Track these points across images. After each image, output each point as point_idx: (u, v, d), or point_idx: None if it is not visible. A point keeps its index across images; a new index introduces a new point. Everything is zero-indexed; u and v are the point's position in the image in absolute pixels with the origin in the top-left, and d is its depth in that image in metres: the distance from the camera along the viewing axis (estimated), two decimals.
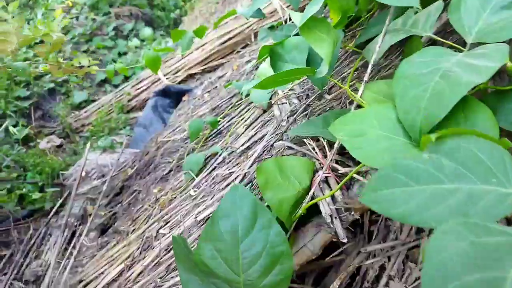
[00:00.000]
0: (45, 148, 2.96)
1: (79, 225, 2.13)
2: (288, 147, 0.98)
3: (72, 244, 1.88)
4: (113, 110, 3.11)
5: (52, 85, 3.46)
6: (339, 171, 0.88)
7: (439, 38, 0.71)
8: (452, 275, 0.33)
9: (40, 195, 2.38)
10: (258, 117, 1.45)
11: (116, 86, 3.55)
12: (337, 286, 0.88)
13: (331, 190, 0.85)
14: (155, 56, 1.55)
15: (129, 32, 4.41)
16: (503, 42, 0.66)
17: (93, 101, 3.42)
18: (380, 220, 0.95)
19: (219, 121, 1.73)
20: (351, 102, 0.99)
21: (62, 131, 3.18)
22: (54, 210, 2.27)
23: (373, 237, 0.94)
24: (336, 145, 0.79)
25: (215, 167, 1.36)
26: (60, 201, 2.34)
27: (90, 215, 2.16)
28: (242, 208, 0.67)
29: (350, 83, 1.01)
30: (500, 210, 0.40)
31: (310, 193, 0.80)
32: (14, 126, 2.94)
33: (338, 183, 0.85)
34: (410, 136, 0.58)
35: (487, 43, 0.63)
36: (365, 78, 0.74)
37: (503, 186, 0.42)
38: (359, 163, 0.88)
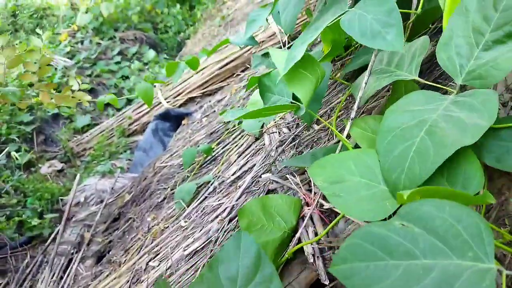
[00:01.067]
0: (46, 173, 2.97)
1: (76, 252, 2.11)
2: (274, 181, 0.97)
3: (67, 273, 1.85)
4: (114, 134, 3.12)
5: (56, 110, 3.50)
6: (324, 206, 0.85)
7: (425, 82, 0.69)
8: None
9: (39, 221, 2.38)
10: (250, 144, 1.44)
11: (118, 110, 3.58)
12: None
13: (315, 227, 0.82)
14: (147, 87, 1.55)
15: (133, 56, 4.47)
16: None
17: (96, 124, 3.45)
18: None
19: (213, 148, 1.72)
20: (341, 131, 0.97)
21: (64, 155, 3.19)
22: (52, 236, 2.26)
23: None
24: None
25: (206, 196, 1.35)
26: (59, 227, 2.33)
27: (88, 242, 2.15)
28: (245, 257, 0.63)
29: (337, 115, 1.00)
30: None
31: (297, 235, 0.78)
32: (17, 151, 2.96)
33: (323, 219, 0.83)
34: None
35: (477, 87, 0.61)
36: (352, 115, 0.72)
37: (481, 261, 0.39)
38: None
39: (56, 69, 3.90)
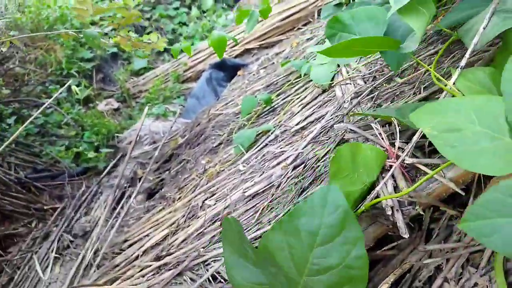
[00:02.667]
0: (103, 110, 3.07)
1: (129, 187, 2.19)
2: (351, 130, 0.92)
3: (120, 205, 1.94)
4: (169, 79, 3.15)
5: (115, 49, 3.56)
6: (405, 161, 0.80)
7: None
8: None
9: (95, 154, 2.48)
10: (317, 96, 1.38)
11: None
12: (390, 282, 0.82)
13: (395, 182, 0.78)
14: (221, 37, 1.50)
15: (191, 2, 4.42)
16: None
17: (152, 68, 3.49)
18: (443, 219, 0.87)
19: (273, 99, 1.68)
20: (426, 89, 0.90)
21: (120, 95, 3.27)
22: (107, 170, 2.36)
23: (433, 236, 0.87)
24: (415, 138, 0.71)
25: (267, 144, 1.32)
26: (113, 162, 2.42)
27: (140, 178, 2.23)
28: (331, 214, 0.59)
29: (435, 67, 0.92)
30: None
31: (378, 188, 0.74)
32: (77, 86, 3.06)
33: (403, 175, 0.78)
34: None
35: None
36: (462, 63, 0.65)
37: None
38: (428, 153, 0.81)
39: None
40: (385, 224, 0.83)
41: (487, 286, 0.73)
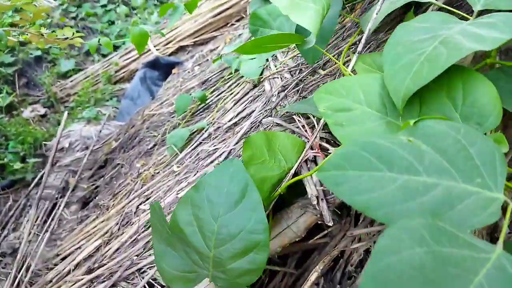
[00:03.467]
0: (28, 117, 2.86)
1: (61, 197, 2.06)
2: (277, 123, 0.92)
3: (51, 217, 1.82)
4: (100, 80, 3.00)
5: (38, 52, 3.33)
6: (329, 151, 0.82)
7: (443, 5, 0.64)
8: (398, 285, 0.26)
9: (22, 165, 2.30)
10: (248, 92, 1.38)
11: (104, 56, 3.42)
12: (320, 270, 0.83)
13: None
14: (142, 32, 1.44)
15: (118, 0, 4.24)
16: None
17: (80, 70, 3.30)
18: None
19: (207, 96, 1.66)
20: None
21: (47, 100, 3.07)
22: (35, 181, 2.20)
23: (360, 221, 0.90)
24: (322, 120, 0.73)
25: (200, 142, 1.30)
26: (42, 172, 2.27)
27: (73, 187, 2.10)
28: (232, 183, 0.61)
29: (345, 58, 0.94)
30: (480, 218, 0.34)
31: (292, 171, 0.74)
32: None
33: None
34: (398, 115, 0.51)
35: (498, 11, 0.57)
36: (359, 49, 0.68)
37: (489, 189, 0.36)
38: None
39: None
40: (314, 214, 0.85)
41: None
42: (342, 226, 0.91)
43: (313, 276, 0.87)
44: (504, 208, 0.37)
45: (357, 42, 0.98)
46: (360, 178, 0.38)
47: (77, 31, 3.59)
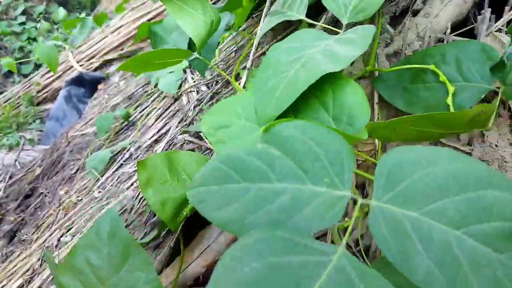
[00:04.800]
0: None
1: None
2: (189, 141, 0.91)
3: None
4: (21, 103, 2.81)
5: None
6: None
7: (312, 22, 0.66)
8: None
9: None
10: (169, 106, 1.35)
11: (26, 76, 3.22)
12: None
13: None
14: (50, 49, 1.35)
15: (39, 15, 4.01)
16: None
17: (0, 93, 3.08)
18: None
19: (131, 113, 1.61)
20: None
21: None
22: None
23: None
24: None
25: (122, 164, 1.25)
26: None
27: None
28: (112, 242, 0.55)
29: (238, 67, 0.95)
30: (326, 219, 0.34)
31: None
32: None
33: None
34: None
35: (360, 22, 0.60)
36: (248, 65, 0.68)
37: (336, 188, 0.36)
38: None
39: None
40: None
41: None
42: None
43: None
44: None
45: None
46: (218, 193, 0.37)
47: None
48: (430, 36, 0.75)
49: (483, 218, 0.31)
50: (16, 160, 2.02)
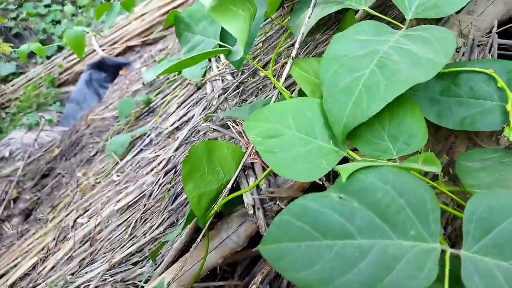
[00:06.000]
0: None
1: (4, 209, 1.93)
2: (214, 129, 0.89)
3: None
4: (42, 84, 2.83)
5: None
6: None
7: (376, 13, 0.63)
8: None
9: None
10: (192, 94, 1.34)
11: (48, 58, 3.24)
12: (259, 280, 0.81)
13: (256, 177, 0.77)
14: (77, 34, 1.35)
15: None
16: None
17: (22, 73, 3.11)
18: None
19: (152, 99, 1.60)
20: (285, 80, 0.90)
21: None
22: None
23: None
24: None
25: (142, 149, 1.24)
26: None
27: (14, 199, 1.97)
28: None
29: (275, 60, 0.92)
30: (421, 277, 0.32)
31: (229, 185, 0.71)
32: None
33: (264, 170, 0.77)
34: (329, 138, 0.50)
35: (427, 19, 0.56)
36: (293, 54, 0.65)
37: (424, 240, 0.34)
38: None
39: None
40: (254, 222, 0.82)
41: None
42: None
43: (257, 282, 0.85)
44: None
45: (291, 47, 0.96)
46: (297, 250, 0.35)
47: (17, 33, 3.39)
48: (474, 35, 0.72)
49: None
50: (35, 140, 2.04)
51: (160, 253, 0.94)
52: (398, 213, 0.35)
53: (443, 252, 0.34)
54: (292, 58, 0.65)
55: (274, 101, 0.68)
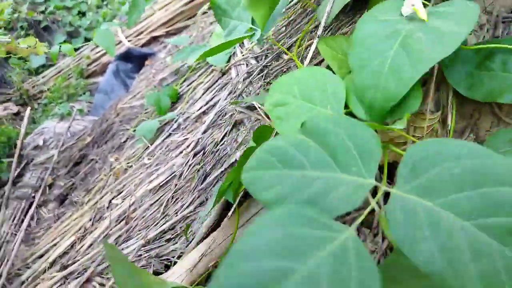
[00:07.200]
0: (1, 116, 2.79)
1: (40, 195, 2.03)
2: (240, 111, 0.92)
3: (28, 216, 1.79)
4: (72, 75, 2.93)
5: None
6: None
7: None
8: (253, 258, 0.31)
9: None
10: (217, 80, 1.37)
11: (76, 50, 3.34)
12: None
13: None
14: (107, 34, 1.40)
15: None
16: None
17: (52, 65, 3.22)
18: None
19: (178, 88, 1.64)
20: (309, 63, 0.92)
21: (19, 97, 2.99)
22: (10, 180, 2.16)
23: None
24: None
25: (170, 133, 1.29)
26: (18, 171, 2.22)
27: (50, 185, 2.07)
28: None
29: (300, 42, 0.94)
30: (349, 202, 0.38)
31: None
32: None
33: None
34: (328, 105, 0.54)
35: None
36: (318, 32, 0.67)
37: (362, 176, 0.40)
38: None
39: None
40: None
41: (380, 244, 0.78)
42: None
43: None
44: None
45: (314, 29, 0.98)
46: (265, 176, 0.43)
47: (46, 26, 3.50)
48: (498, 11, 0.72)
49: (494, 212, 0.33)
50: (69, 128, 2.13)
51: (191, 230, 0.98)
52: (345, 153, 0.42)
53: (377, 188, 0.41)
54: (318, 37, 0.67)
55: None
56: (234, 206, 0.76)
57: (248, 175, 0.44)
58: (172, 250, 0.97)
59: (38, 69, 3.19)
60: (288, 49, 1.06)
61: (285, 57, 1.03)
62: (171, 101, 1.60)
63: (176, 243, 0.98)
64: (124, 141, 1.64)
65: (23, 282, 1.28)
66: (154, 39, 2.89)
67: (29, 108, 1.91)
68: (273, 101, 0.55)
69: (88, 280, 1.01)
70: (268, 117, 0.83)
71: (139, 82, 2.34)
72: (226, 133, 0.99)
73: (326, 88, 0.54)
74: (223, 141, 1.00)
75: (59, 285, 1.06)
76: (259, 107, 0.82)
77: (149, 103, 1.52)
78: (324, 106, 0.52)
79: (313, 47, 0.68)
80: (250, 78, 1.07)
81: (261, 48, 1.21)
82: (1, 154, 2.36)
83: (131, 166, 1.37)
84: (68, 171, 2.11)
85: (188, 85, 1.61)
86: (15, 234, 1.74)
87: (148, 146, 1.33)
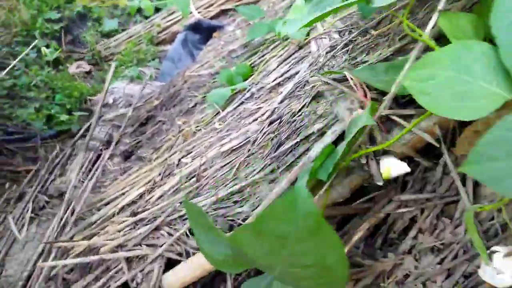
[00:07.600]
0: (74, 73, 2.96)
1: (105, 149, 2.15)
2: (325, 82, 0.92)
3: (96, 166, 1.91)
4: (142, 41, 3.04)
5: (82, 9, 3.40)
6: (381, 113, 0.81)
7: None
8: None
9: (68, 117, 2.41)
10: (293, 53, 1.37)
11: (147, 17, 3.45)
12: (361, 233, 0.85)
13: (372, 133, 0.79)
14: None
15: None
16: None
17: (123, 30, 3.36)
18: (417, 171, 0.89)
19: (250, 59, 1.66)
20: (402, 39, 0.90)
21: (92, 57, 3.16)
22: (80, 132, 2.30)
23: (408, 187, 0.89)
24: (392, 89, 0.71)
25: (243, 102, 1.32)
26: (87, 125, 2.36)
27: (116, 141, 2.19)
28: (300, 222, 0.50)
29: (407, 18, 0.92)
30: None
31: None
32: (46, 47, 2.93)
33: (379, 126, 0.79)
34: (492, 80, 0.51)
35: None
36: (440, 6, 0.65)
37: None
38: (403, 105, 0.82)
39: None
40: (361, 175, 0.84)
41: (460, 237, 0.76)
42: (388, 192, 0.90)
43: (354, 238, 0.88)
44: None
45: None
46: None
47: None
48: None
49: None
50: (143, 88, 2.22)
51: (258, 196, 1.01)
52: None
53: None
54: (439, 11, 0.65)
55: (417, 55, 0.69)
56: (327, 184, 0.77)
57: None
58: (238, 213, 1.00)
59: (110, 32, 3.33)
60: (378, 23, 1.04)
61: (374, 32, 1.01)
62: (243, 79, 1.62)
63: (243, 206, 1.00)
64: (193, 106, 1.69)
65: (92, 224, 1.38)
66: (223, 12, 2.92)
67: (113, 63, 2.01)
68: (416, 77, 0.55)
69: (157, 228, 1.07)
70: (356, 91, 0.82)
71: (207, 53, 2.39)
72: (305, 104, 1.00)
73: (489, 62, 0.52)
74: (300, 112, 1.01)
75: (130, 229, 1.14)
76: (351, 78, 0.81)
77: (221, 80, 1.55)
78: (488, 82, 0.51)
79: (432, 20, 0.66)
80: (333, 52, 1.06)
81: (343, 23, 1.19)
82: (74, 108, 2.52)
83: (199, 130, 1.41)
84: (134, 130, 2.21)
85: (260, 58, 1.62)
86: (83, 182, 1.86)
87: (219, 112, 1.36)
